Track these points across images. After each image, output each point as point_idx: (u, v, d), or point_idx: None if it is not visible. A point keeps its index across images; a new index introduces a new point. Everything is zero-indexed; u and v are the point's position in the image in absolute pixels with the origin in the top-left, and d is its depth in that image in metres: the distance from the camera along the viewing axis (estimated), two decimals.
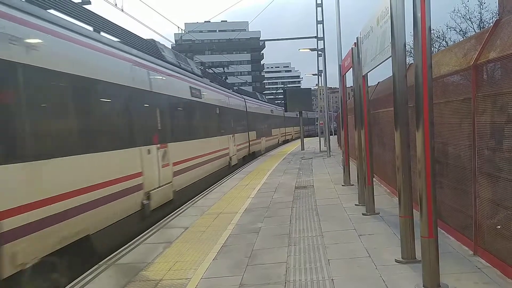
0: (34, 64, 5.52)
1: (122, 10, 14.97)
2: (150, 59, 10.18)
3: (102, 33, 8.42)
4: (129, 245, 6.84)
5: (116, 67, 8.06)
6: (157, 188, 9.14)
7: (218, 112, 16.30)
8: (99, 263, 6.08)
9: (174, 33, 58.66)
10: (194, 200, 10.84)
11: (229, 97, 19.49)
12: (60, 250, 5.69)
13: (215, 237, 6.93)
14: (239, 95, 23.12)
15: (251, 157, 22.82)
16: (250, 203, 9.76)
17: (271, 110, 32.35)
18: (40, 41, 5.84)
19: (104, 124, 7.44)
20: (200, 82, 14.97)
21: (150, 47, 11.18)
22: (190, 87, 12.96)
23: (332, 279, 4.69)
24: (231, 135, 18.11)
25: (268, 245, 6.27)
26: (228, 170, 17.09)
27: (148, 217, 8.53)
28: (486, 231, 4.72)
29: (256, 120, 25.85)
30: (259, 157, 23.79)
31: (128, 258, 6.18)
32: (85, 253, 6.32)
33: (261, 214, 8.41)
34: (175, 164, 10.32)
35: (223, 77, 24.50)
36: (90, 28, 8.00)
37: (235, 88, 25.44)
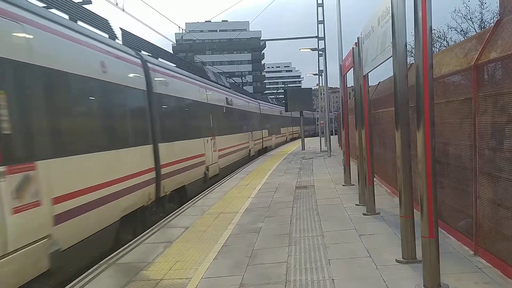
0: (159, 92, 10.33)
1: (123, 10, 14.98)
2: (203, 81, 15.28)
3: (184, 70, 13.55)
4: (130, 245, 6.85)
5: (194, 91, 13.52)
6: (211, 164, 14.28)
7: (241, 114, 21.31)
8: (100, 263, 6.09)
9: (175, 33, 58.54)
10: (194, 200, 10.85)
11: (248, 102, 24.34)
12: (178, 189, 10.90)
13: (215, 236, 6.94)
14: (254, 100, 28.00)
15: (264, 150, 27.61)
16: (250, 203, 9.76)
17: (280, 111, 35.31)
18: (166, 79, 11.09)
19: (191, 124, 13.01)
20: (229, 92, 19.59)
21: (201, 72, 16.72)
22: (226, 98, 17.98)
23: (333, 279, 4.69)
24: (250, 133, 22.91)
25: (269, 245, 6.27)
26: (248, 159, 21.72)
27: (207, 182, 13.69)
28: (487, 231, 4.72)
29: (268, 120, 30.85)
30: (259, 157, 23.81)
31: (128, 258, 6.18)
32: (184, 193, 11.49)
33: (262, 214, 8.41)
34: (219, 150, 15.50)
35: (227, 78, 26.89)
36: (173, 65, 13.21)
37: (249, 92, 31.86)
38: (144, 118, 9.20)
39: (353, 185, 10.69)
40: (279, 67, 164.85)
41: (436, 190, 4.20)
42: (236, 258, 5.74)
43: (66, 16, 7.22)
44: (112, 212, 7.28)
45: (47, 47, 5.92)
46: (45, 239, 5.39)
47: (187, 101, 12.57)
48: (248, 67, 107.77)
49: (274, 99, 45.14)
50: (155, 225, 8.20)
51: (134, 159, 8.41)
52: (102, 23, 8.57)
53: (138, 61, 9.36)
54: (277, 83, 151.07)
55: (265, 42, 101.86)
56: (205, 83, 15.27)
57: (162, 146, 9.70)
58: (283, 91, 34.84)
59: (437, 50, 23.75)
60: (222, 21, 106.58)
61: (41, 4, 6.65)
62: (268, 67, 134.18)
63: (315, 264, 5.25)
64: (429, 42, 4.16)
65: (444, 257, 4.51)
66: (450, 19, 66.46)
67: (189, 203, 10.39)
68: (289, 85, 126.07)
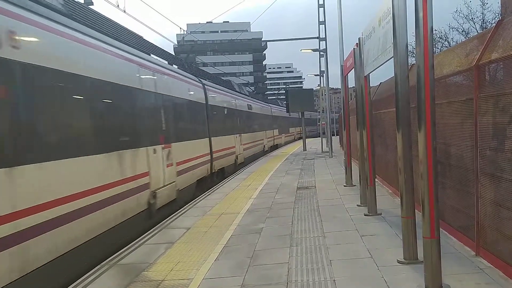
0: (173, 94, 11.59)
1: (124, 11, 15.01)
2: (232, 92, 20.69)
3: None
4: (131, 246, 6.85)
5: (229, 100, 18.76)
6: (239, 154, 19.29)
7: (258, 117, 26.22)
8: (101, 264, 6.09)
9: (176, 34, 58.69)
10: (195, 200, 10.85)
11: (262, 106, 29.47)
12: (220, 169, 15.35)
13: (217, 237, 6.94)
14: (267, 104, 33.20)
15: (275, 147, 32.46)
16: (252, 203, 9.76)
17: (289, 113, 37.74)
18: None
19: (227, 124, 17.57)
20: (248, 99, 25.04)
21: (230, 84, 22.75)
22: (247, 104, 23.07)
23: (334, 280, 4.68)
24: (264, 131, 28.03)
25: (270, 245, 6.27)
26: (263, 153, 26.41)
27: (236, 167, 18.18)
28: (488, 231, 4.71)
29: (278, 121, 35.48)
30: (261, 158, 23.82)
31: (130, 259, 6.19)
32: (223, 172, 15.75)
33: (263, 215, 8.41)
34: (243, 145, 20.39)
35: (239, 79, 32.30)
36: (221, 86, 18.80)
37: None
38: (205, 121, 14.43)
39: (355, 185, 10.69)
40: (280, 68, 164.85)
41: (437, 191, 4.19)
42: (237, 259, 5.74)
43: (165, 62, 13.01)
44: (196, 175, 12.62)
45: (167, 85, 10.79)
46: (174, 182, 10.26)
47: (225, 109, 17.86)
48: (250, 68, 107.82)
49: (282, 101, 47.91)
50: (156, 226, 8.20)
51: (203, 146, 13.76)
52: (187, 69, 15.68)
53: (201, 85, 14.87)
54: (278, 83, 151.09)
55: (266, 43, 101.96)
56: (234, 94, 20.99)
57: (213, 139, 14.89)
58: (284, 92, 35.07)
59: (439, 50, 23.75)
60: (224, 22, 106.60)
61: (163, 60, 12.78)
62: (269, 68, 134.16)
63: (316, 265, 5.25)
64: (430, 42, 4.15)
65: (446, 258, 4.50)
66: (451, 19, 66.44)
67: (190, 204, 10.40)
68: (290, 86, 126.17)
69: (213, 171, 14.86)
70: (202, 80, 15.70)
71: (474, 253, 4.98)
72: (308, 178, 13.52)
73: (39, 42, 5.75)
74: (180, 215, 9.05)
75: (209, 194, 11.76)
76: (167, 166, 9.86)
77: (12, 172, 4.83)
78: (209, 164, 14.38)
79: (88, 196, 6.36)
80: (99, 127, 7.08)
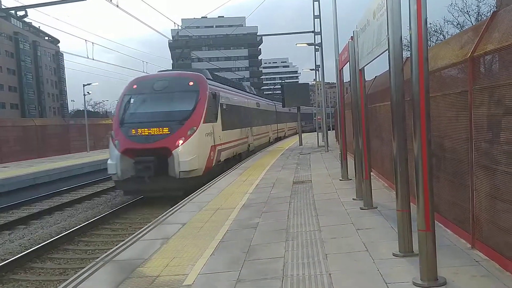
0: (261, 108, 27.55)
1: (118, 6, 14.87)
2: (249, 95, 26.79)
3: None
4: (126, 242, 6.83)
5: (252, 103, 26.27)
6: (251, 143, 23.26)
7: (264, 112, 30.57)
8: (96, 260, 6.07)
9: (171, 29, 58.37)
10: (191, 196, 10.82)
11: (268, 103, 34.35)
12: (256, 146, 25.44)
13: (212, 232, 6.92)
14: (271, 101, 37.59)
15: (279, 138, 37.68)
16: (248, 198, 9.75)
17: (289, 109, 41.89)
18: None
19: (267, 118, 30.61)
20: (257, 97, 30.65)
21: (249, 88, 31.92)
22: (256, 102, 27.87)
23: (330, 274, 4.68)
24: (269, 125, 32.49)
25: (266, 240, 6.26)
26: (268, 144, 30.74)
27: (249, 152, 22.61)
28: (484, 224, 4.71)
29: (281, 116, 39.44)
30: (258, 152, 23.82)
31: (125, 255, 6.16)
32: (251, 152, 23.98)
33: (259, 210, 8.40)
34: (254, 135, 24.63)
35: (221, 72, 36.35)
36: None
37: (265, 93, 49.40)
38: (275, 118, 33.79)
39: (350, 179, 10.69)
40: (276, 62, 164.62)
41: (432, 184, 4.18)
42: (233, 254, 5.72)
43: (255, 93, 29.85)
44: (240, 149, 20.26)
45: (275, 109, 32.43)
46: (269, 136, 31.56)
47: (262, 110, 28.94)
48: (245, 63, 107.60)
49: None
50: (152, 222, 8.18)
51: (245, 133, 21.83)
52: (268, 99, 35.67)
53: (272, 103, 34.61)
54: (274, 78, 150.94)
55: (261, 38, 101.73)
56: (251, 96, 27.82)
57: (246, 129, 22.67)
58: (280, 86, 35.26)
59: (434, 44, 23.71)
60: (218, 17, 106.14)
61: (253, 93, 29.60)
62: (265, 63, 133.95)
63: (312, 259, 5.24)
64: (425, 35, 4.13)
65: (441, 250, 4.49)
66: (446, 12, 66.38)
67: (186, 200, 10.37)
68: (286, 81, 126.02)
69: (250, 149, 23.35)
70: (235, 88, 23.95)
71: (470, 245, 4.98)
72: (304, 173, 13.52)
73: (226, 96, 18.44)
74: (175, 211, 9.03)
75: (205, 189, 11.74)
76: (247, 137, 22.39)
77: (228, 132, 17.47)
78: (246, 144, 23.24)
79: (240, 140, 20.32)
80: (243, 120, 21.39)
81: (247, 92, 27.36)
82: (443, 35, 28.68)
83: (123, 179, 13.38)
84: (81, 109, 51.19)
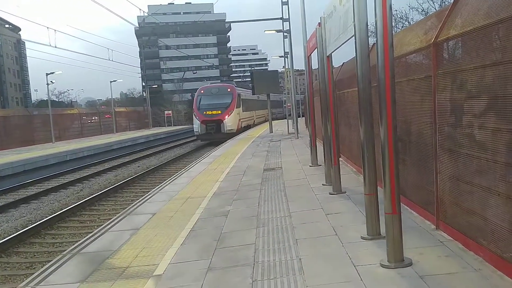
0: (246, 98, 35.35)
1: None
2: (245, 90, 36.41)
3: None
4: (94, 234, 6.70)
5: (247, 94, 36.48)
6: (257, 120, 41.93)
7: (250, 101, 37.36)
8: (63, 252, 5.93)
9: (137, 16, 57.06)
10: (161, 186, 10.71)
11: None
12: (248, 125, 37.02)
13: (183, 222, 6.87)
14: (278, 95, 47.61)
15: (264, 121, 42.76)
16: (218, 186, 9.72)
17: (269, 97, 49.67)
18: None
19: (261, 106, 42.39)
20: (246, 89, 36.67)
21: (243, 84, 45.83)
22: (245, 93, 35.15)
23: (300, 258, 4.73)
24: (254, 111, 40.43)
25: (237, 227, 6.26)
26: (253, 125, 39.14)
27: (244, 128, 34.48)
28: (448, 205, 4.86)
29: (263, 104, 42.99)
30: (228, 141, 23.76)
31: (93, 247, 6.04)
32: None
33: (230, 197, 8.39)
34: (243, 118, 34.56)
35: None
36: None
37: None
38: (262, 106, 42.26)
39: (320, 165, 10.80)
40: (245, 50, 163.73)
41: (398, 168, 4.26)
42: (204, 242, 5.70)
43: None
44: (250, 122, 37.62)
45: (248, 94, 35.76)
46: (254, 120, 40.90)
47: (253, 100, 38.07)
48: (214, 50, 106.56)
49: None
50: (120, 213, 8.05)
51: (252, 114, 38.76)
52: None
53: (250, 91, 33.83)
54: (243, 66, 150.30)
55: (230, 25, 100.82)
56: (245, 90, 35.91)
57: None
58: (249, 74, 35.26)
59: (400, 30, 24.06)
60: (186, 3, 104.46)
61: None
62: (234, 50, 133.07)
63: (282, 244, 5.28)
64: (389, 21, 4.17)
65: (407, 232, 4.61)
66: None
67: (156, 189, 10.26)
68: (255, 68, 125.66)
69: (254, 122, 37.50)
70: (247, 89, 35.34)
71: (435, 226, 5.13)
72: (274, 160, 13.58)
73: (243, 94, 34.24)
74: (145, 201, 8.91)
75: (175, 178, 11.63)
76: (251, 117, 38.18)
77: (245, 113, 34.72)
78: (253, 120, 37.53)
79: (250, 117, 38.13)
80: (250, 107, 37.63)
81: (244, 88, 38.89)
82: (408, 22, 29.11)
83: (201, 134, 30.13)
84: (45, 99, 49.54)
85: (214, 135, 29.12)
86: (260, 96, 37.20)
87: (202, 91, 32.14)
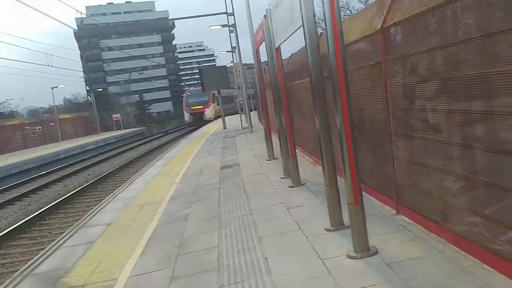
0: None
1: None
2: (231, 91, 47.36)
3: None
4: (45, 252, 6.27)
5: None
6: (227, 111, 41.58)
7: (223, 98, 36.47)
8: (13, 276, 5.51)
9: (75, 18, 54.81)
10: (115, 193, 10.28)
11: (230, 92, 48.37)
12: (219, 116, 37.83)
13: (141, 230, 6.57)
14: (229, 90, 46.91)
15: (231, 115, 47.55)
16: (175, 189, 9.44)
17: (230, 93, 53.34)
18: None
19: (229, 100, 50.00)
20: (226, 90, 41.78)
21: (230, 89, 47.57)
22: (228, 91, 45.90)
23: (266, 258, 4.61)
24: (224, 105, 40.25)
25: (198, 231, 6.06)
26: (214, 118, 45.07)
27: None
28: (406, 189, 4.90)
29: (231, 99, 50.34)
30: (181, 140, 23.30)
31: (45, 266, 5.65)
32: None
33: (188, 200, 8.15)
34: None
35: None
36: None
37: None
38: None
39: (277, 158, 10.76)
40: (191, 46, 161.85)
41: (357, 157, 4.22)
42: (164, 250, 5.46)
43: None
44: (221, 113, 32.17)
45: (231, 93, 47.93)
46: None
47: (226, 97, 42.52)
48: (159, 49, 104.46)
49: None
50: (72, 226, 7.62)
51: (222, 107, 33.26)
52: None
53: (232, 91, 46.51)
54: (191, 63, 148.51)
55: (173, 22, 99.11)
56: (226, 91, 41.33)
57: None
58: (198, 71, 34.83)
59: (342, 19, 24.45)
60: (126, 2, 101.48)
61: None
62: (180, 48, 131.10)
63: (247, 244, 5.14)
64: (337, 8, 4.10)
65: (369, 220, 4.57)
66: None
67: (109, 197, 9.82)
68: (203, 65, 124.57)
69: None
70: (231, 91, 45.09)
71: (395, 211, 5.16)
72: (230, 156, 13.41)
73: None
74: (99, 211, 8.49)
75: (129, 184, 11.21)
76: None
77: (218, 107, 38.97)
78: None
79: (227, 108, 44.93)
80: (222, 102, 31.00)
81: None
82: (349, 11, 29.70)
83: (190, 122, 46.03)
84: None
85: (198, 122, 43.85)
86: (228, 93, 47.05)
87: (188, 93, 49.39)
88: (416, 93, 4.49)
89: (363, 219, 4.21)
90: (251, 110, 30.69)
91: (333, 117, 4.37)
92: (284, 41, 6.85)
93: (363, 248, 4.18)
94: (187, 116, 47.35)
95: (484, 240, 3.53)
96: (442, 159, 4.11)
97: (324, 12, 4.14)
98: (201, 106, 46.39)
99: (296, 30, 5.71)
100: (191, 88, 54.07)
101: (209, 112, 45.95)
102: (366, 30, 5.45)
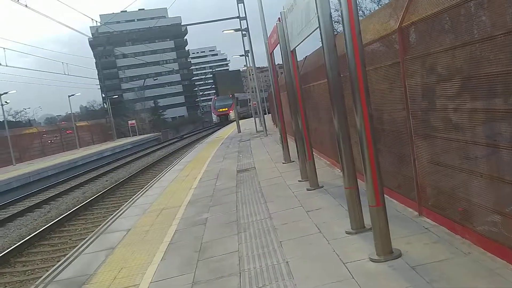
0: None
1: (26, 6, 13.78)
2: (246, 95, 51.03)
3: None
4: (67, 258, 6.33)
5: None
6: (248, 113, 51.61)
7: (244, 101, 52.97)
8: (36, 283, 5.57)
9: (90, 26, 55.49)
10: (133, 199, 10.34)
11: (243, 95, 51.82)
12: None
13: (160, 235, 6.59)
14: (243, 94, 50.78)
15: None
16: (193, 194, 9.46)
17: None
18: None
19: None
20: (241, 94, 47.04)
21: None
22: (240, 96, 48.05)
23: (287, 262, 4.57)
24: (246, 107, 52.78)
25: (217, 235, 6.05)
26: (247, 117, 49.39)
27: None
28: (428, 191, 4.81)
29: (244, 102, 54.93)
30: (196, 145, 23.39)
31: (67, 273, 5.70)
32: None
33: (206, 204, 8.16)
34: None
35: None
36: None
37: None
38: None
39: (293, 161, 10.71)
40: (204, 51, 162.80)
41: (378, 159, 4.17)
42: (185, 255, 5.46)
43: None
44: (245, 114, 52.45)
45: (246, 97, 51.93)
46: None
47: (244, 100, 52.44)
48: (173, 55, 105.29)
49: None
50: (93, 232, 7.68)
51: (245, 109, 54.12)
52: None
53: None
54: (204, 68, 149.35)
55: (186, 28, 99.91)
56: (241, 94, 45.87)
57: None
58: (211, 75, 35.10)
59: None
60: (139, 9, 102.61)
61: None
62: (192, 53, 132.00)
63: (267, 248, 5.11)
64: (355, 7, 4.06)
65: (391, 222, 4.49)
66: None
67: (127, 203, 9.89)
68: (216, 69, 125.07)
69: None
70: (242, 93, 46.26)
71: (417, 213, 5.08)
72: (246, 160, 13.40)
73: (240, 97, 50.36)
74: (118, 217, 8.55)
75: (147, 190, 11.28)
76: None
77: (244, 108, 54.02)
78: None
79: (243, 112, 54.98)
80: (242, 104, 53.34)
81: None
82: (362, 11, 29.55)
83: (216, 122, 57.78)
84: (1, 120, 47.65)
85: (224, 122, 52.54)
86: (243, 97, 52.13)
87: (215, 98, 56.64)
88: (436, 93, 4.41)
89: (386, 221, 4.15)
90: (265, 113, 30.71)
91: (352, 118, 4.32)
92: (300, 43, 6.82)
93: (386, 251, 4.11)
94: (214, 117, 58.69)
95: None
96: (465, 159, 4.03)
97: (341, 12, 4.11)
98: (226, 109, 55.97)
99: (313, 31, 5.69)
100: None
101: (233, 114, 51.22)
102: (383, 29, 5.39)
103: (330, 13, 4.95)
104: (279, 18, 7.92)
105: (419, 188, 4.99)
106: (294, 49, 7.51)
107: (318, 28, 4.99)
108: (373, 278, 3.81)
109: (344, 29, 4.12)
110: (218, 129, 40.72)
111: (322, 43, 4.93)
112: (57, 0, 16.37)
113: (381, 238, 4.14)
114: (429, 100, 4.59)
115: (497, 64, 3.40)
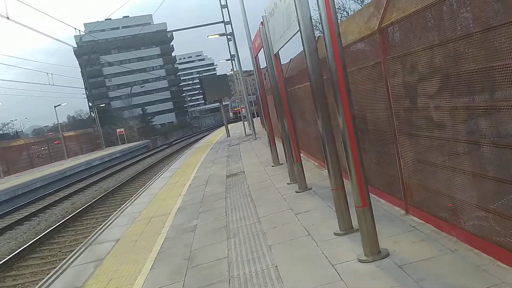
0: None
1: (8, 18, 13.66)
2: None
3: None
4: (56, 271, 6.25)
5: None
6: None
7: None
8: None
9: (74, 36, 55.20)
10: (122, 208, 10.26)
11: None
12: None
13: (149, 244, 6.54)
14: (233, 98, 53.06)
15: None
16: (182, 201, 9.41)
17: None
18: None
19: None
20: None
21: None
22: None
23: (276, 266, 4.56)
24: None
25: (207, 242, 6.02)
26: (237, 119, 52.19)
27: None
28: (414, 189, 4.84)
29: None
30: (185, 151, 23.31)
31: (56, 286, 5.62)
32: None
33: (195, 211, 8.12)
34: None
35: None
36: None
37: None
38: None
39: (282, 164, 10.72)
40: (190, 57, 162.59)
41: (362, 159, 4.18)
42: (174, 264, 5.42)
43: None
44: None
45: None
46: None
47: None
48: (159, 61, 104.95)
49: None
50: (81, 244, 7.60)
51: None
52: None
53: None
54: (191, 73, 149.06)
55: (172, 34, 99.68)
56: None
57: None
58: (198, 81, 35.07)
59: (339, 21, 24.43)
60: (124, 17, 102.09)
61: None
62: (179, 59, 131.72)
63: (256, 253, 5.09)
64: (333, 10, 4.08)
65: (378, 221, 4.52)
66: None
67: (116, 212, 9.81)
68: (203, 74, 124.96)
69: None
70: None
71: (404, 211, 5.10)
72: (235, 165, 13.38)
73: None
74: (107, 227, 8.47)
75: (136, 198, 11.19)
76: None
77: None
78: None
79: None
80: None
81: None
82: (346, 12, 29.72)
83: (231, 118, 58.39)
84: None
85: (237, 119, 53.06)
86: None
87: (231, 100, 63.49)
88: (417, 91, 4.44)
89: (372, 221, 4.16)
90: (254, 117, 30.75)
91: (337, 119, 4.33)
92: (282, 46, 6.84)
93: (374, 251, 4.13)
94: (231, 114, 63.86)
95: (498, 237, 3.47)
96: (448, 156, 4.06)
97: (320, 15, 4.13)
98: (238, 108, 63.64)
99: (294, 35, 5.70)
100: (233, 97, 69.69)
101: (243, 112, 60.32)
102: (364, 30, 5.42)
103: (310, 15, 4.97)
104: (261, 22, 7.93)
105: (405, 187, 5.01)
106: (278, 52, 7.53)
107: (299, 31, 5.00)
108: (361, 279, 3.81)
109: (323, 32, 4.13)
110: (207, 135, 40.49)
111: (303, 46, 4.94)
112: (39, 11, 16.23)
113: (368, 238, 4.15)
114: (411, 99, 4.62)
115: (475, 61, 3.44)
